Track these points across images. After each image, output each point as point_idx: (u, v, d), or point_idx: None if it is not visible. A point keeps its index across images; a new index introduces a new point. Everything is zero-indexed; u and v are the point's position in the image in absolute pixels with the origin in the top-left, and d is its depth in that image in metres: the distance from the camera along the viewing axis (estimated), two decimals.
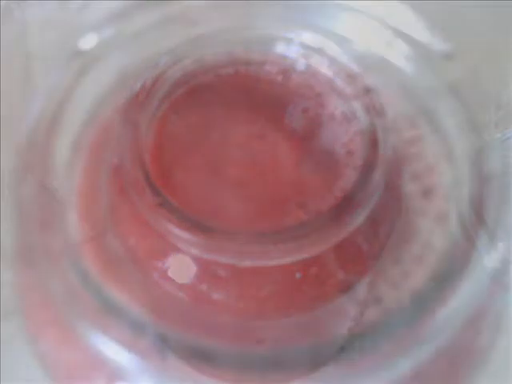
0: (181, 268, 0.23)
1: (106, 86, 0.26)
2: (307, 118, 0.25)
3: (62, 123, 0.25)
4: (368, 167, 0.23)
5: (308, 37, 0.27)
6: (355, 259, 0.22)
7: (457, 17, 0.37)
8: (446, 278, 0.23)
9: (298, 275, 0.22)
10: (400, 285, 0.25)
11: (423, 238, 0.26)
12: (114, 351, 0.22)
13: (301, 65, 0.27)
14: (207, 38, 0.27)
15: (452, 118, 0.25)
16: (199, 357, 0.22)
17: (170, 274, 0.23)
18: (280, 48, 0.27)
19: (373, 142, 0.23)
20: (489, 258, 0.23)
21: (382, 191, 0.23)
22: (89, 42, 0.26)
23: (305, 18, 0.27)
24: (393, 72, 0.27)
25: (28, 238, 0.23)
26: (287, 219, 0.22)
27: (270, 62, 0.26)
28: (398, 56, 0.26)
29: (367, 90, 0.26)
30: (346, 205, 0.22)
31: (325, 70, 0.26)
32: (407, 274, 0.25)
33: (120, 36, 0.26)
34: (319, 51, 0.26)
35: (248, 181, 0.23)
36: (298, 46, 0.27)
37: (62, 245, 0.23)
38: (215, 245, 0.21)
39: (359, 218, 0.22)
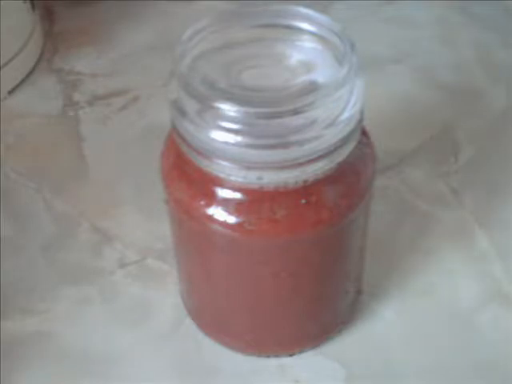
0: None
1: None
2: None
3: None
4: None
5: (308, 34, 0.27)
6: (345, 195, 0.27)
7: None
8: None
9: (303, 201, 0.26)
10: None
11: None
12: None
13: (301, 62, 0.27)
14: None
15: None
16: None
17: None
18: (280, 47, 0.27)
19: None
20: None
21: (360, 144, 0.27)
22: None
23: (303, 11, 0.28)
24: None
25: None
26: None
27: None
28: None
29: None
30: None
31: (323, 62, 0.27)
32: None
33: None
34: (318, 43, 0.27)
35: None
36: (299, 45, 0.27)
37: None
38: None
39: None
